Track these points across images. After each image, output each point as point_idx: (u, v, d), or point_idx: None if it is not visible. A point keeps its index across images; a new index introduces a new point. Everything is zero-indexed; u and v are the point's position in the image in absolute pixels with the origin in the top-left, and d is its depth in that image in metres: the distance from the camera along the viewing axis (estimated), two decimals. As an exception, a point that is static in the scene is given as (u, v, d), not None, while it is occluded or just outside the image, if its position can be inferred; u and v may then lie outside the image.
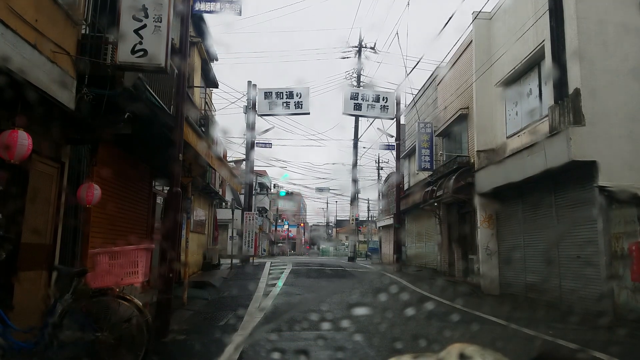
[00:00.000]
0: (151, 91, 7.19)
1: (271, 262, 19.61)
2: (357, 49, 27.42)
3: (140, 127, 6.64)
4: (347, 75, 28.06)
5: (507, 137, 12.22)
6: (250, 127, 18.60)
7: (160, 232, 8.80)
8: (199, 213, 15.09)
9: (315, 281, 12.92)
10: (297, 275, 13.97)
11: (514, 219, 11.79)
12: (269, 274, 14.29)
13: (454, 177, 13.98)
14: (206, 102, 16.31)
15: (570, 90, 8.81)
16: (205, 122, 14.05)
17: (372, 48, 27.48)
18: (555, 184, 9.70)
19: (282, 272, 14.67)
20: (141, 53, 5.83)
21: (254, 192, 39.28)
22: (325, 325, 6.54)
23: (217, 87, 16.88)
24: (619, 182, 7.82)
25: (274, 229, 49.38)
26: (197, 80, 14.18)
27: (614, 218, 7.77)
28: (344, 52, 27.34)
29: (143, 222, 9.09)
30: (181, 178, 7.05)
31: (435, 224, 17.76)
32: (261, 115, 18.12)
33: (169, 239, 6.49)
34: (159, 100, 7.71)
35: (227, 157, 18.36)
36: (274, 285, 11.40)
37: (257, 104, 17.95)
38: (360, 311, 7.78)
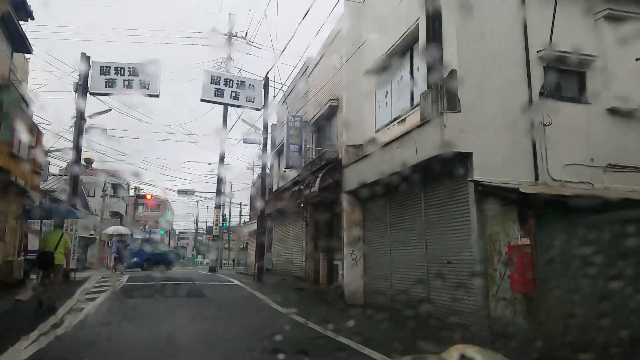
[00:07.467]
0: None
1: (101, 277, 16.00)
2: (227, 36, 25.05)
3: None
4: (216, 65, 25.48)
5: (377, 130, 11.07)
6: (80, 109, 14.72)
7: None
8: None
9: (144, 303, 10.13)
10: (122, 296, 10.97)
11: (381, 220, 10.60)
12: (87, 293, 11.02)
13: (320, 175, 12.50)
14: (11, 70, 12.50)
15: (445, 74, 7.77)
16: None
17: (244, 37, 25.39)
18: (425, 180, 8.60)
19: (104, 291, 11.47)
20: None
21: (102, 193, 34.13)
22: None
23: (30, 53, 13.09)
24: (496, 177, 6.84)
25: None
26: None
27: (490, 218, 6.74)
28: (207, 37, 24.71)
29: None
30: None
31: (302, 227, 16.22)
32: (94, 94, 14.53)
33: None
34: None
35: (44, 144, 14.41)
36: (80, 310, 8.45)
37: (89, 79, 14.38)
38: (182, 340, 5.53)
